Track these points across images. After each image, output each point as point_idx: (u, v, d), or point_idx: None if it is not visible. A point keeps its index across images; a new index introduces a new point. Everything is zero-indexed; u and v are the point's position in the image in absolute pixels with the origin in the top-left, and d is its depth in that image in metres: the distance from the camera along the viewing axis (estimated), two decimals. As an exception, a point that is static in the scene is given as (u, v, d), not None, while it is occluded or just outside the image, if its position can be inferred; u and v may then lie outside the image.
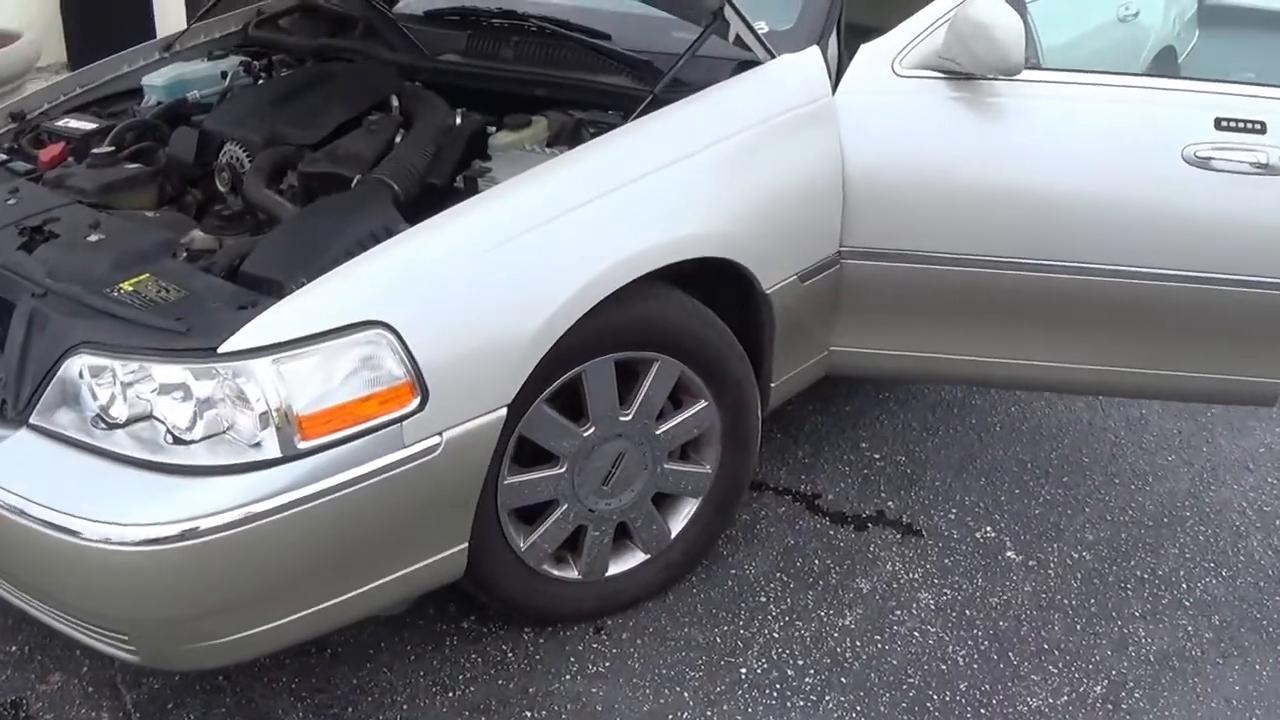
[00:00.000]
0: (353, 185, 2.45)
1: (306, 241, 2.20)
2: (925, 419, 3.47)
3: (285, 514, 1.94)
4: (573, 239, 2.22)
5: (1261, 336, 2.80)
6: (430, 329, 2.04)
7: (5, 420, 2.08)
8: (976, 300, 2.78)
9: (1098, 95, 2.68)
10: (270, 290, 2.09)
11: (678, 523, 2.68)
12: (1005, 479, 3.20)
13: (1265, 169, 2.63)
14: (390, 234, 2.19)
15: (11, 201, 2.46)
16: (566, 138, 2.67)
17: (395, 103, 2.75)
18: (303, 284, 2.04)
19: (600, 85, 2.69)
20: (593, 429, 2.42)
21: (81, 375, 2.01)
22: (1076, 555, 2.91)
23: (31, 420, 2.04)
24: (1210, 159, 2.64)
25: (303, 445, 1.94)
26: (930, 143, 2.68)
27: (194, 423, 1.95)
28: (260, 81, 3.08)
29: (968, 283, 2.75)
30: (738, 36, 2.56)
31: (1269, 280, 2.71)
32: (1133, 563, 2.90)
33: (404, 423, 2.02)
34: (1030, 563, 2.88)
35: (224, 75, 3.12)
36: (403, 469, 2.04)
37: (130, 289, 2.11)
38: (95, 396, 2.00)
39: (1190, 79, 2.70)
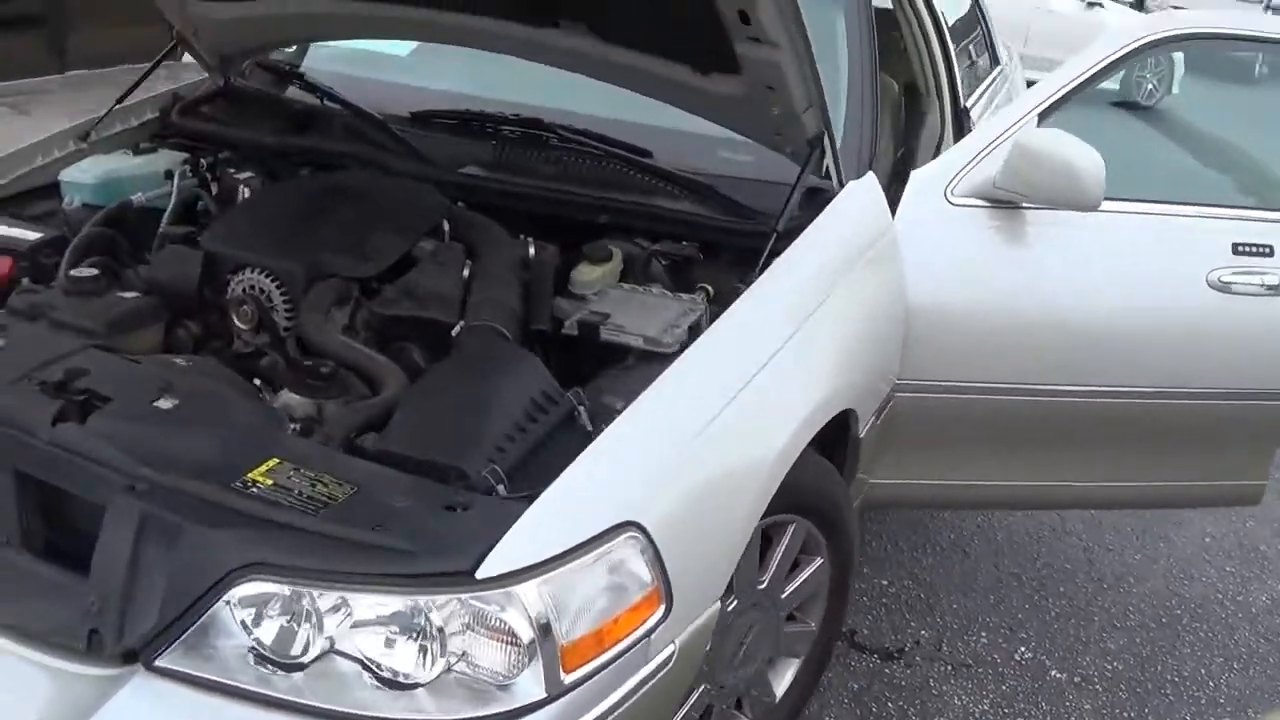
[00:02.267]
0: (454, 333, 2.15)
1: (458, 413, 1.88)
2: (909, 539, 3.47)
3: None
4: (761, 410, 2.06)
5: (1260, 442, 2.99)
6: (669, 525, 1.81)
7: (100, 657, 1.61)
8: (1014, 426, 2.81)
9: (1130, 224, 2.78)
10: (444, 476, 1.77)
11: (781, 685, 2.52)
12: (1010, 594, 3.24)
13: (1275, 290, 2.82)
14: (551, 399, 1.93)
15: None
16: (639, 272, 2.45)
17: (445, 227, 2.44)
18: (492, 469, 1.75)
19: (681, 215, 2.45)
20: (735, 602, 2.24)
21: (232, 603, 1.61)
22: (1110, 666, 2.99)
23: (159, 662, 1.61)
24: (1230, 283, 2.80)
25: (567, 679, 1.66)
26: (981, 272, 2.69)
27: (421, 662, 1.63)
28: (244, 190, 2.61)
29: (1008, 410, 2.78)
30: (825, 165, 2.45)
31: (1273, 390, 2.90)
32: (1159, 667, 3.00)
33: (651, 635, 1.78)
34: (1075, 679, 2.92)
35: (168, 175, 2.63)
36: (646, 687, 1.80)
37: (268, 482, 1.69)
38: (250, 630, 1.61)
39: (1210, 205, 2.85)
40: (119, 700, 1.60)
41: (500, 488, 1.75)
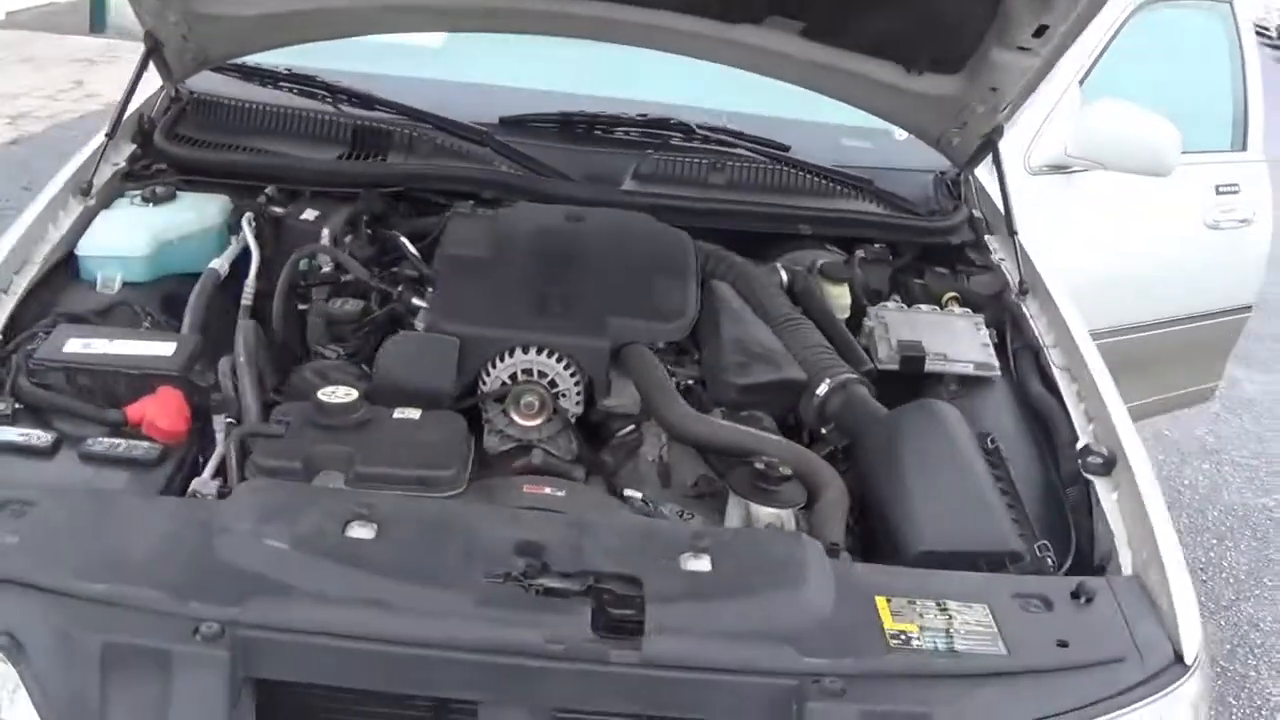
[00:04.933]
0: (819, 392, 1.90)
1: (953, 492, 1.70)
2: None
3: None
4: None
5: (1219, 351, 3.49)
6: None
7: None
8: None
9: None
10: (998, 564, 1.62)
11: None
12: None
13: (1244, 222, 3.29)
14: (987, 451, 1.80)
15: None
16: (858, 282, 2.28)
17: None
18: (1042, 544, 1.65)
19: (875, 218, 2.37)
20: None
21: None
22: None
23: None
24: (1219, 221, 3.24)
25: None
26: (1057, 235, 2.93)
27: None
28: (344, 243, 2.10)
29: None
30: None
31: (1236, 306, 3.40)
32: None
33: None
34: None
35: (230, 228, 2.16)
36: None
37: (911, 627, 1.43)
38: None
39: (1199, 151, 3.24)
40: None
41: (1049, 559, 1.64)
